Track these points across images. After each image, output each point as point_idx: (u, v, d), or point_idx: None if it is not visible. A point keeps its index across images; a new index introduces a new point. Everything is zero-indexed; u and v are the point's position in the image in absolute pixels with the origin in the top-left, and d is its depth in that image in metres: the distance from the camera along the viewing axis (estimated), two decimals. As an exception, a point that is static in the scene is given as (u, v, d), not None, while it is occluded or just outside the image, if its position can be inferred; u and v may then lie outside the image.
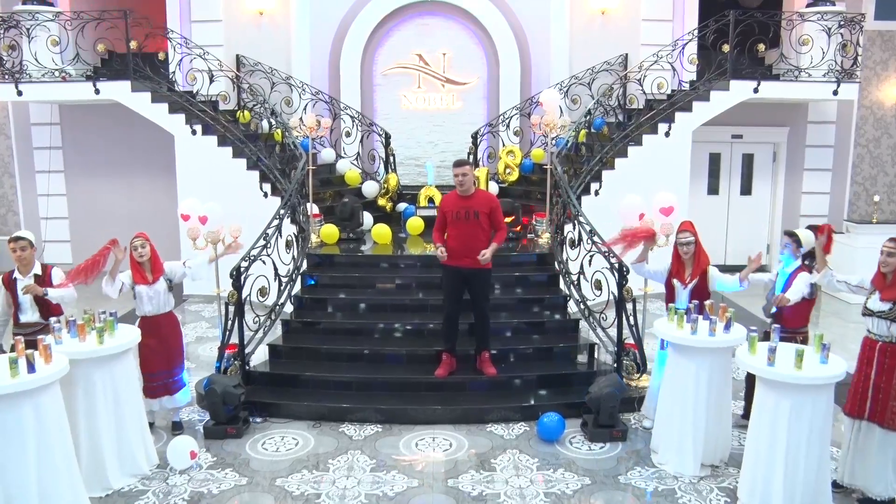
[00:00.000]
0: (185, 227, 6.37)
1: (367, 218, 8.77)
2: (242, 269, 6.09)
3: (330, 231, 8.02)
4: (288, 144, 8.47)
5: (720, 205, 11.65)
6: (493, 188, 9.88)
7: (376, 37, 11.06)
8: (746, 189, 11.77)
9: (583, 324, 6.78)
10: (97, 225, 11.06)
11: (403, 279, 7.31)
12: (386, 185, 9.70)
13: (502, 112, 10.46)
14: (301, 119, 8.50)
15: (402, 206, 9.78)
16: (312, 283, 7.35)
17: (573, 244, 6.80)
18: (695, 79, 10.15)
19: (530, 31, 11.07)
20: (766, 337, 4.89)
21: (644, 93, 9.74)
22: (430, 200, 9.69)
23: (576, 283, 6.66)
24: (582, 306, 6.57)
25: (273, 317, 6.53)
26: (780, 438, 4.20)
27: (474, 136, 10.25)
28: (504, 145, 10.32)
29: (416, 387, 6.15)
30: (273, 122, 9.06)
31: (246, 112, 10.27)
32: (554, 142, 10.39)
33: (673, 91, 10.18)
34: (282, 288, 6.64)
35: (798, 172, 11.52)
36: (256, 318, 6.34)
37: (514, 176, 10.02)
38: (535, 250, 7.93)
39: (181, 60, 9.81)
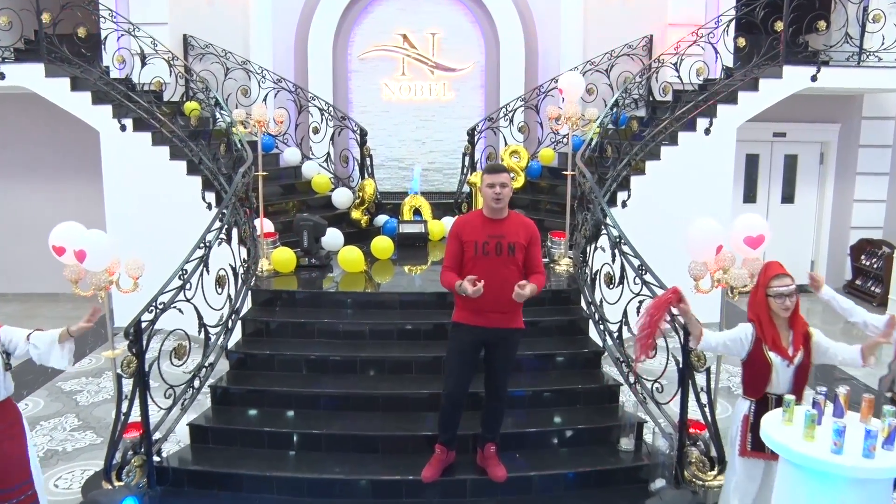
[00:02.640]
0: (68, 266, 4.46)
1: (335, 236, 6.92)
2: (145, 325, 4.22)
3: (284, 256, 6.16)
4: (234, 143, 6.59)
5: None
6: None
7: (352, 13, 9.20)
8: (789, 196, 10.01)
9: (624, 390, 4.99)
10: (11, 236, 9.23)
11: (378, 326, 5.44)
12: (361, 194, 7.85)
13: (504, 104, 8.61)
14: (248, 111, 6.59)
15: (381, 218, 7.94)
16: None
17: (610, 281, 4.98)
18: (731, 65, 8.37)
19: (537, 7, 9.26)
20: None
21: (681, 81, 7.91)
22: (417, 213, 7.86)
23: (616, 336, 4.84)
24: (625, 368, 4.76)
25: (196, 385, 4.68)
26: None
27: (471, 133, 8.40)
28: (506, 144, 8.48)
29: (395, 491, 4.31)
30: (219, 116, 7.23)
31: (194, 104, 8.39)
32: (567, 140, 8.64)
33: (704, 80, 8.40)
34: (210, 343, 4.80)
35: (850, 177, 9.77)
36: (170, 391, 4.48)
37: (520, 182, 8.19)
38: (551, 282, 6.11)
39: (105, 39, 7.91)
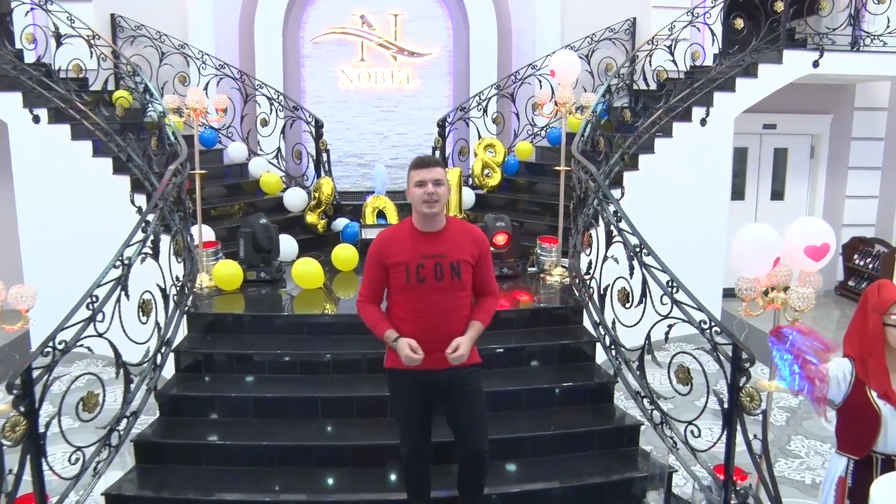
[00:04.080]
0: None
1: (288, 244, 5.93)
2: (39, 372, 3.18)
3: (228, 271, 5.15)
4: (167, 135, 5.54)
5: (746, 212, 9.19)
6: (469, 196, 7.15)
7: (304, -10, 8.20)
8: (778, 192, 9.37)
9: (645, 431, 4.15)
10: None
11: (343, 356, 4.47)
12: (317, 194, 6.85)
13: (477, 92, 7.71)
14: (182, 98, 5.52)
15: (340, 222, 6.96)
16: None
17: (626, 299, 4.12)
18: (722, 50, 7.65)
19: (511, -15, 8.39)
20: None
21: (676, 66, 7.13)
22: (381, 215, 6.92)
23: (637, 366, 3.99)
24: (648, 405, 3.91)
25: (113, 441, 3.66)
26: None
27: (441, 124, 7.47)
28: (480, 137, 7.59)
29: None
30: (150, 105, 6.16)
31: (123, 93, 7.28)
32: (545, 132, 7.82)
33: (692, 68, 7.66)
34: (132, 386, 3.78)
35: (841, 171, 9.19)
36: (77, 455, 3.46)
37: (497, 179, 7.31)
38: (541, 297, 5.25)
39: (10, 14, 6.75)
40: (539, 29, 8.33)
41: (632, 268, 4.02)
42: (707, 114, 7.00)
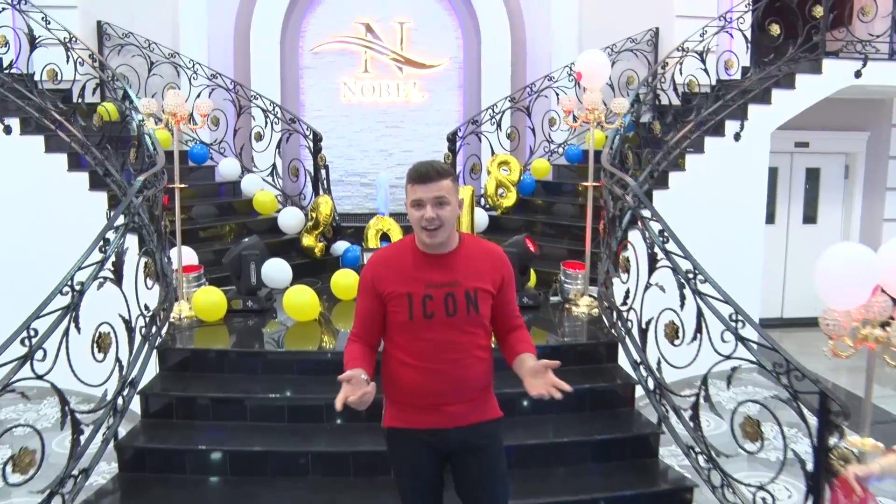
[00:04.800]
0: None
1: (281, 269, 5.30)
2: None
3: (210, 299, 4.50)
4: (146, 146, 4.94)
5: (777, 237, 8.53)
6: (482, 218, 6.52)
7: (303, -2, 7.67)
8: (811, 216, 8.72)
9: (700, 491, 3.47)
10: None
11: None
12: (315, 214, 6.23)
13: (491, 105, 7.11)
14: (161, 102, 4.89)
15: (340, 246, 6.33)
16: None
17: (676, 335, 3.47)
18: (750, 59, 7.09)
19: (525, -6, 7.85)
20: None
21: (708, 74, 6.52)
22: (385, 238, 6.28)
23: (690, 416, 3.33)
24: (705, 465, 3.24)
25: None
26: None
27: (452, 139, 6.86)
28: (493, 154, 6.98)
29: None
30: (127, 110, 5.58)
31: (109, 105, 6.70)
32: (562, 149, 7.22)
33: (719, 81, 7.07)
34: (80, 439, 3.13)
35: (879, 193, 8.53)
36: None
37: (512, 199, 6.69)
38: (567, 331, 4.59)
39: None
40: (555, 39, 7.79)
41: (683, 297, 3.37)
42: (741, 128, 6.41)
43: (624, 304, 4.00)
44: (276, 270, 5.28)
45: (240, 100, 7.10)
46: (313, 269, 6.01)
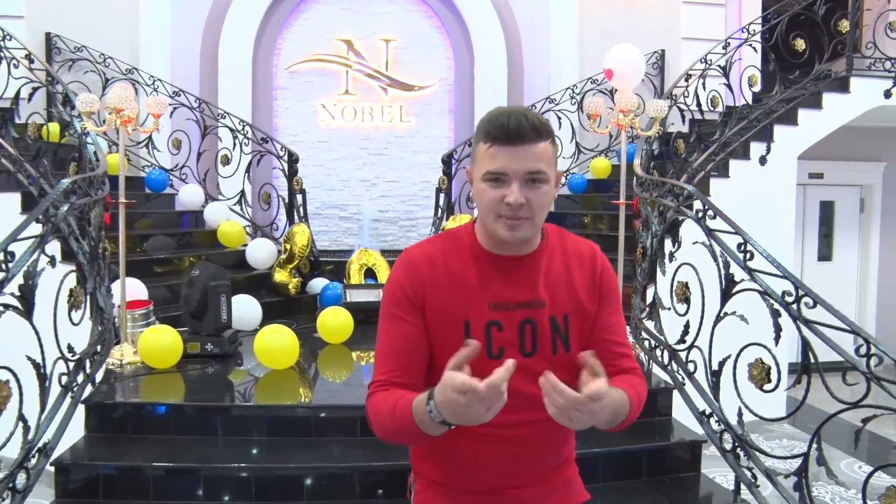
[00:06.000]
0: None
1: (249, 308, 4.42)
2: None
3: (161, 341, 3.60)
4: (88, 157, 4.09)
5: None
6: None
7: (279, 11, 6.96)
8: (826, 253, 8.11)
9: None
10: None
11: (323, 469, 2.90)
12: (289, 246, 5.37)
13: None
14: (100, 102, 4.02)
15: (317, 283, 5.46)
16: None
17: (763, 378, 2.67)
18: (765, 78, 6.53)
19: (522, 12, 7.25)
20: None
21: (732, 92, 5.92)
22: (370, 274, 5.46)
23: (794, 484, 2.50)
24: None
25: None
26: None
27: (447, 160, 6.08)
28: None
29: None
30: (65, 114, 4.73)
31: (52, 125, 5.86)
32: (566, 178, 6.54)
33: (728, 107, 6.50)
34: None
35: (898, 228, 8.01)
36: None
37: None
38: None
39: None
40: (554, 61, 7.20)
41: (777, 329, 2.59)
42: (767, 150, 5.77)
43: (682, 341, 3.20)
44: (244, 309, 4.42)
45: (205, 119, 6.30)
46: (287, 309, 5.15)
